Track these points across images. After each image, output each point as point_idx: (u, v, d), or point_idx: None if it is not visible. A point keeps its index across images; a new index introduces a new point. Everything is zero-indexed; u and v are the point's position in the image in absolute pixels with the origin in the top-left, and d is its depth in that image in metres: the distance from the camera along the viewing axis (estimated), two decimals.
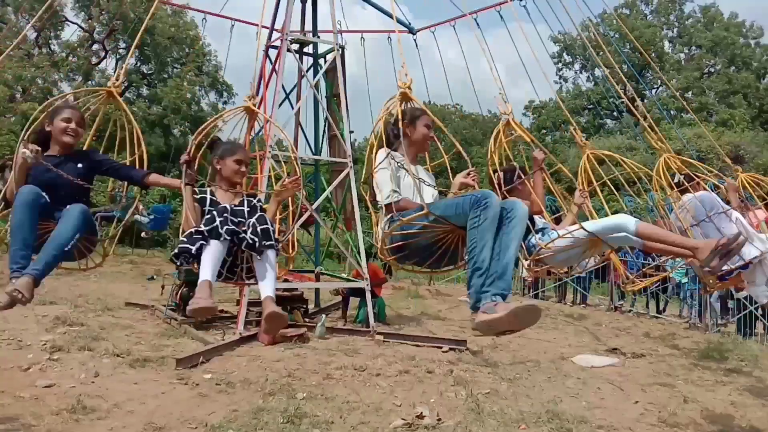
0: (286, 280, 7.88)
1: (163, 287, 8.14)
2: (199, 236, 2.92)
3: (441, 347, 6.39)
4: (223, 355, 5.55)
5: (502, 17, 8.87)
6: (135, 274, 11.94)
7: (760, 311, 8.82)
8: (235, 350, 5.79)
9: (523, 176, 3.81)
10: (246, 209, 3.36)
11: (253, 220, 3.05)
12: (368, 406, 4.24)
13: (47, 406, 3.75)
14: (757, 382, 5.65)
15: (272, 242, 3.03)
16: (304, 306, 7.85)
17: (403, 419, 3.99)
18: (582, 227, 3.25)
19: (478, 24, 9.06)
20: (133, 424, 3.63)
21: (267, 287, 3.01)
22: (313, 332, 6.64)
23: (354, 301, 8.23)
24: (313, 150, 9.23)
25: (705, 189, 4.21)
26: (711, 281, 4.11)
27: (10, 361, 4.60)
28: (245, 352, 5.73)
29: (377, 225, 3.32)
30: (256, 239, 2.98)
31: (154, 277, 10.85)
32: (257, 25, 9.35)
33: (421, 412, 4.10)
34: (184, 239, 2.95)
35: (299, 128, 8.99)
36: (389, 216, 3.12)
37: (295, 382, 4.69)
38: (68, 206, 3.07)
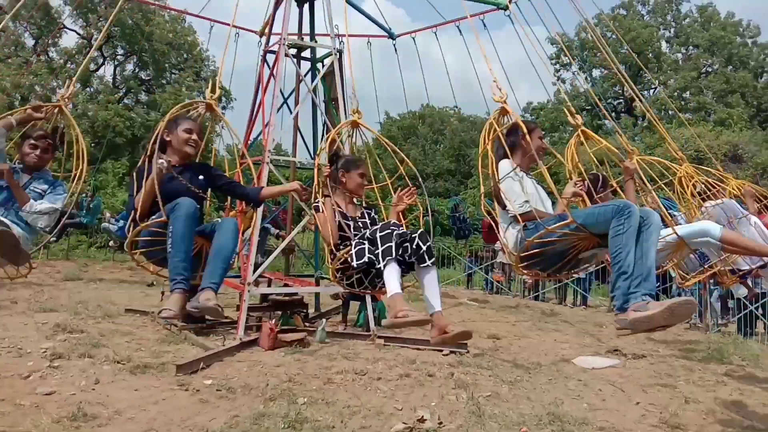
0: (286, 285, 7.88)
1: (162, 293, 8.13)
2: (370, 248, 3.26)
3: (442, 350, 6.38)
4: (223, 360, 5.54)
5: (485, 25, 9.17)
6: (134, 280, 11.94)
7: (760, 310, 8.83)
8: (236, 356, 5.79)
9: (613, 185, 4.11)
10: (368, 221, 3.68)
11: (417, 236, 3.35)
12: (369, 410, 4.23)
13: (48, 413, 3.74)
14: (759, 381, 5.65)
15: (434, 258, 3.43)
16: (305, 310, 7.85)
17: (404, 423, 3.99)
18: (675, 232, 3.65)
19: (460, 31, 9.30)
20: (133, 431, 3.63)
21: (438, 302, 3.43)
22: (314, 337, 6.64)
23: (354, 305, 8.23)
24: (312, 154, 9.24)
25: (724, 196, 4.52)
26: (728, 278, 4.52)
27: (11, 369, 4.59)
28: (246, 358, 5.73)
29: (501, 232, 3.59)
30: (426, 256, 3.35)
31: (154, 283, 10.83)
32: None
33: (422, 416, 4.10)
34: (356, 251, 3.28)
35: (298, 132, 9.02)
36: (523, 225, 3.35)
37: (295, 387, 4.69)
38: (219, 220, 3.31)
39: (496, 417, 4.18)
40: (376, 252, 3.26)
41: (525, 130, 3.46)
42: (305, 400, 4.34)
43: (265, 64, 8.56)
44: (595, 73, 31.80)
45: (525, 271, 3.61)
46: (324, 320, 7.25)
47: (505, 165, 3.53)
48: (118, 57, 26.01)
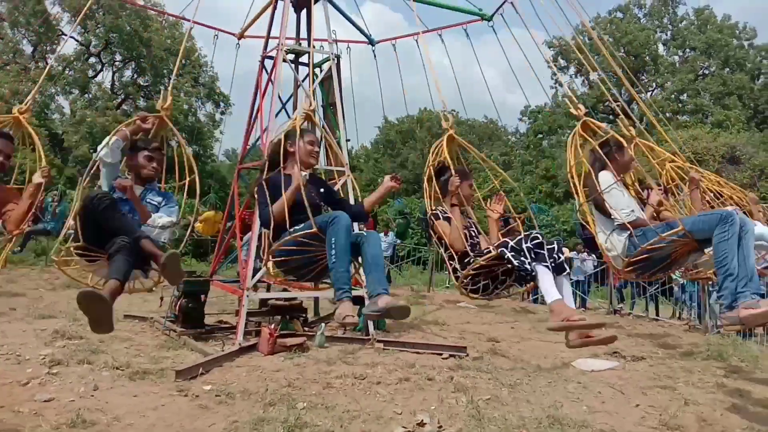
0: (285, 289, 7.87)
1: (162, 299, 8.12)
2: (514, 255, 3.43)
3: (441, 354, 6.39)
4: (222, 366, 5.54)
5: (468, 35, 9.23)
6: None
7: None
8: (235, 361, 5.78)
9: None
10: (474, 229, 4.04)
11: (555, 245, 3.56)
12: (369, 414, 4.23)
13: (47, 420, 3.73)
14: (758, 382, 5.65)
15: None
16: (304, 315, 7.84)
17: (403, 427, 3.99)
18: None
19: (442, 39, 9.49)
20: None
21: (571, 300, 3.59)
22: (313, 341, 6.63)
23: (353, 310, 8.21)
24: None
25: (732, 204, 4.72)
26: None
27: (9, 376, 4.59)
28: (245, 363, 5.72)
29: (602, 240, 3.82)
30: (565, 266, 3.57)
31: (153, 289, 10.82)
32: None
33: (422, 420, 4.10)
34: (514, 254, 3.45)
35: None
36: (629, 232, 3.61)
37: (295, 392, 4.69)
38: (368, 232, 3.52)
39: (495, 420, 4.18)
40: (522, 259, 3.44)
41: (625, 144, 3.83)
42: (305, 404, 4.34)
43: (263, 70, 8.58)
44: (593, 76, 31.81)
45: (630, 275, 3.91)
46: (323, 325, 7.23)
47: (608, 176, 3.74)
48: (117, 63, 26.06)
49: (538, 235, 3.52)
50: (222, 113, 27.49)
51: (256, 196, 3.69)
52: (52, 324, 6.51)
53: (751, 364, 6.46)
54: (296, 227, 3.36)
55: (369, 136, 34.07)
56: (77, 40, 24.18)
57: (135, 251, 3.20)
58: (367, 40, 9.73)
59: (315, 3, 8.62)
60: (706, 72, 31.88)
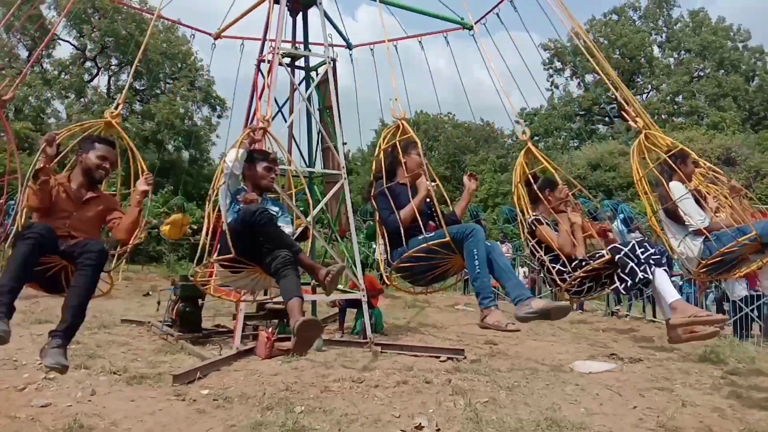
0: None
1: (159, 303, 8.11)
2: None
3: (439, 357, 6.39)
4: (220, 370, 5.53)
5: (447, 42, 9.46)
6: (130, 290, 11.89)
7: (755, 312, 8.86)
8: (232, 365, 5.77)
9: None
10: None
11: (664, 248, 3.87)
12: (367, 418, 4.23)
13: (44, 425, 3.73)
14: (755, 383, 5.66)
15: None
16: None
17: (402, 430, 3.99)
18: None
19: (422, 47, 9.57)
20: None
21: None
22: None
23: (351, 313, 8.22)
24: (307, 162, 9.26)
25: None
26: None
27: (6, 381, 4.57)
28: (242, 367, 5.71)
29: (675, 245, 4.10)
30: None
31: (150, 293, 10.81)
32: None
33: (420, 423, 4.10)
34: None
35: (292, 141, 9.03)
36: (704, 237, 3.90)
37: (293, 396, 4.68)
38: (491, 242, 3.60)
39: (493, 423, 4.18)
40: (635, 264, 3.62)
41: (694, 157, 4.18)
42: (302, 408, 4.34)
43: (260, 73, 8.59)
44: (588, 78, 31.92)
45: (701, 276, 4.18)
46: None
47: (680, 186, 4.04)
48: (113, 67, 26.04)
49: (645, 241, 3.81)
50: (219, 117, 27.44)
51: (375, 203, 3.84)
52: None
53: (748, 364, 6.47)
54: (427, 236, 3.53)
55: (366, 139, 34.00)
56: (74, 45, 24.16)
57: (297, 265, 3.33)
58: (345, 44, 9.77)
59: (309, 8, 8.65)
60: (701, 74, 31.96)
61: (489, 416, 4.31)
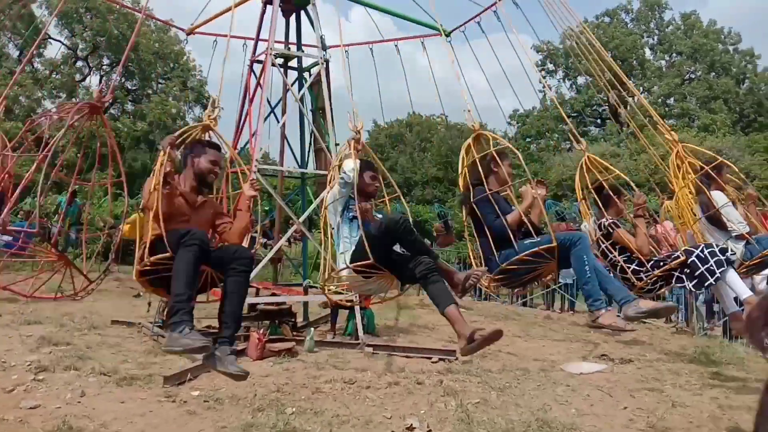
0: (274, 294, 7.85)
1: (149, 304, 8.07)
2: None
3: (430, 358, 6.39)
4: (211, 371, 5.49)
5: (425, 47, 9.60)
6: (121, 291, 11.83)
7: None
8: None
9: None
10: None
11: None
12: (358, 419, 4.22)
13: (33, 427, 3.70)
14: (744, 384, 5.70)
15: None
16: (293, 320, 7.82)
17: (393, 431, 3.99)
18: None
19: (398, 50, 9.73)
20: None
21: None
22: (302, 346, 6.61)
23: (343, 314, 8.21)
24: (299, 163, 9.24)
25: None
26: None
27: None
28: None
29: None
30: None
31: (141, 294, 10.73)
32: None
33: (411, 424, 4.10)
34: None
35: (285, 142, 9.02)
36: (745, 241, 4.38)
37: (284, 397, 4.67)
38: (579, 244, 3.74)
39: (485, 424, 4.19)
40: (711, 265, 3.89)
41: (736, 169, 4.77)
42: (294, 410, 4.33)
43: (252, 74, 8.57)
44: (580, 80, 32.08)
45: (743, 277, 4.45)
46: (312, 329, 7.22)
47: (721, 195, 4.46)
48: (104, 67, 25.91)
49: (713, 245, 4.05)
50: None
51: (477, 209, 4.00)
52: (39, 330, 6.45)
53: (738, 365, 6.52)
54: (533, 240, 3.72)
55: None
56: (65, 44, 24.03)
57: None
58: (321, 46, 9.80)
59: (302, 9, 8.65)
60: (693, 76, 32.19)
61: (480, 417, 4.32)
